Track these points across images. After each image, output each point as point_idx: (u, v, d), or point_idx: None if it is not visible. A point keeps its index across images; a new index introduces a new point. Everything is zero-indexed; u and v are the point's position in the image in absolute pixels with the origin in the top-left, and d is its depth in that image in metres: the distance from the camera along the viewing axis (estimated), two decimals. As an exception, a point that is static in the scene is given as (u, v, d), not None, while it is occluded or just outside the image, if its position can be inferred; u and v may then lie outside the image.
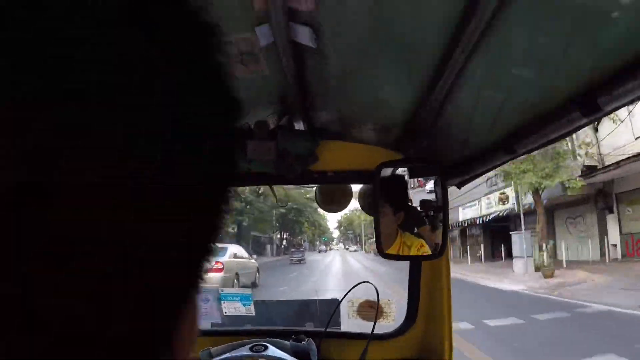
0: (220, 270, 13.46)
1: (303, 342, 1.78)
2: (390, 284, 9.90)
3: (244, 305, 1.89)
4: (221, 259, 13.77)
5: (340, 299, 1.91)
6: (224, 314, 1.91)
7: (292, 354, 1.67)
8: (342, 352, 1.85)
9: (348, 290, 1.88)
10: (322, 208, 1.79)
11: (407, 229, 1.58)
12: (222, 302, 1.90)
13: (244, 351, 1.65)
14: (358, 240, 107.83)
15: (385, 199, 1.55)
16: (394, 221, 1.57)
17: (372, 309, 1.92)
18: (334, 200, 1.76)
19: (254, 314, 1.91)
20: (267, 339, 1.75)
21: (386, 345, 1.91)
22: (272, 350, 1.66)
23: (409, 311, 1.91)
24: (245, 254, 18.18)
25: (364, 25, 0.99)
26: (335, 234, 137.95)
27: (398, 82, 1.27)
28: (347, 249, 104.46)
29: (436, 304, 1.85)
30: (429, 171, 1.62)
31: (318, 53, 1.12)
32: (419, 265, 1.82)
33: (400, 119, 1.47)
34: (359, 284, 1.85)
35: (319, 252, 76.07)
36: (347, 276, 21.87)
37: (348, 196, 1.76)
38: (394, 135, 1.63)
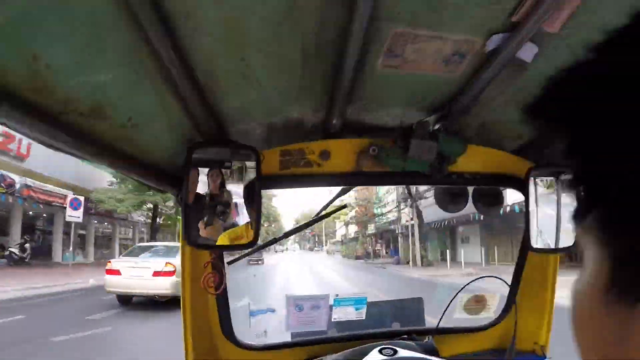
0: (171, 273, 11.60)
1: (426, 341, 1.77)
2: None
3: (357, 309, 1.82)
4: (173, 260, 11.68)
5: (453, 296, 1.89)
6: (333, 319, 1.82)
7: (423, 353, 1.64)
8: (455, 346, 1.88)
9: (462, 286, 1.88)
10: (442, 207, 1.77)
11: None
12: (334, 308, 1.81)
13: (375, 356, 1.59)
14: (317, 240, 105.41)
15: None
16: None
17: (479, 303, 1.93)
18: (453, 201, 1.75)
19: (364, 318, 1.84)
20: (385, 341, 1.71)
21: (484, 335, 1.96)
22: (404, 352, 1.61)
23: (508, 302, 1.95)
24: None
25: None
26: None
27: None
28: (312, 249, 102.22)
29: (536, 293, 1.90)
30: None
31: (517, 65, 1.17)
32: (523, 262, 1.87)
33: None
34: (481, 277, 1.86)
35: (276, 251, 71.41)
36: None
37: (466, 197, 1.76)
38: (522, 141, 1.69)
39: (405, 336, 1.81)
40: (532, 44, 1.13)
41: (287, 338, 1.87)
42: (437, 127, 1.49)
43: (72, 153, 1.09)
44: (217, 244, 1.46)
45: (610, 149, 0.33)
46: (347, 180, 1.65)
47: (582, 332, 0.38)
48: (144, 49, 0.94)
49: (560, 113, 0.38)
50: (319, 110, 1.46)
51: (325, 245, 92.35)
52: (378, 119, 1.54)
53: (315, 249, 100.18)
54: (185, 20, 0.93)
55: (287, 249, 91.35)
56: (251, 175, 1.39)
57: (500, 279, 1.87)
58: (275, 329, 1.88)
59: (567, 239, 1.61)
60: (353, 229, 61.51)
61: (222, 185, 1.43)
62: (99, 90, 1.03)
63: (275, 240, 1.88)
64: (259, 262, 29.66)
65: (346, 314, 1.83)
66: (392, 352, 1.60)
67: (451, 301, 1.88)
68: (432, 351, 1.70)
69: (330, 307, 1.83)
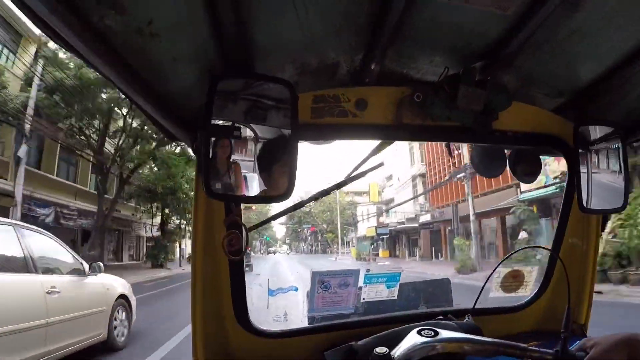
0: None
1: (466, 320, 1.62)
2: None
3: (388, 287, 1.66)
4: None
5: (487, 280, 1.76)
6: (362, 300, 1.65)
7: (465, 333, 1.49)
8: (492, 326, 1.73)
9: (493, 270, 1.75)
10: (479, 172, 1.65)
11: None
12: (365, 285, 1.65)
13: (415, 338, 1.42)
14: (319, 239, 77.76)
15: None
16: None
17: (515, 279, 1.81)
18: (492, 164, 1.64)
19: (396, 297, 1.68)
20: (422, 322, 1.55)
21: (521, 315, 1.84)
22: (447, 333, 1.46)
23: (546, 278, 1.84)
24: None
25: None
26: (281, 231, 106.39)
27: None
28: (317, 251, 78.63)
29: (577, 270, 1.80)
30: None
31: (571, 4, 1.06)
32: (562, 235, 1.77)
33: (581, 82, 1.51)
34: (524, 248, 1.74)
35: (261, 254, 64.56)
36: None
37: (504, 160, 1.66)
38: (563, 99, 1.62)
39: (441, 317, 1.65)
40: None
41: (306, 323, 1.69)
42: (484, 73, 1.38)
43: (73, 51, 0.92)
44: (245, 195, 1.28)
45: None
46: (386, 133, 1.51)
47: None
48: None
49: None
50: (357, 50, 1.32)
51: (344, 247, 64.93)
52: (419, 68, 1.42)
53: (331, 253, 66.98)
54: None
55: (274, 252, 77.56)
56: (285, 117, 1.24)
57: (547, 248, 1.75)
58: (296, 311, 1.69)
59: (617, 200, 1.53)
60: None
61: (251, 129, 1.26)
62: None
63: (300, 205, 1.70)
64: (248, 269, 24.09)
65: (377, 292, 1.66)
66: (433, 334, 1.43)
67: (488, 279, 1.74)
68: (475, 330, 1.55)
69: (360, 287, 1.66)
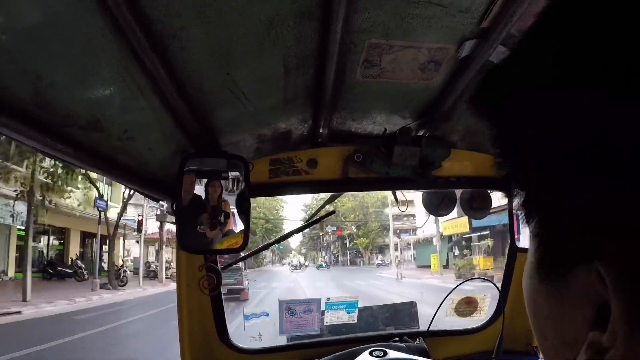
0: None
1: (417, 342, 1.84)
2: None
3: (348, 313, 1.91)
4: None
5: (440, 304, 1.97)
6: (325, 323, 1.91)
7: (413, 354, 1.72)
8: (447, 348, 1.95)
9: (448, 292, 1.96)
10: (429, 212, 1.86)
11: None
12: (326, 311, 1.90)
13: (366, 358, 1.67)
14: (347, 246, 63.75)
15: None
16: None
17: (469, 305, 2.01)
18: (441, 205, 1.84)
19: (356, 321, 1.93)
20: (376, 344, 1.78)
21: (476, 338, 2.03)
22: (394, 354, 1.69)
23: (498, 305, 2.03)
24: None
25: None
26: (296, 239, 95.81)
27: None
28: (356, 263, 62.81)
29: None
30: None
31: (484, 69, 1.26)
32: (512, 262, 1.96)
33: None
34: (469, 280, 1.94)
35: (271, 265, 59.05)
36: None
37: (454, 200, 1.85)
38: None
39: (397, 339, 1.88)
40: (503, 47, 1.22)
41: (283, 341, 1.95)
42: (421, 133, 1.58)
43: (73, 163, 1.20)
44: (210, 248, 1.55)
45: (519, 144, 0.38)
46: (335, 186, 1.75)
47: (529, 311, 0.42)
48: (136, 67, 1.05)
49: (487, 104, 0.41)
50: (305, 120, 1.56)
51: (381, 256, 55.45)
52: (363, 126, 1.64)
53: (368, 264, 56.20)
54: (173, 40, 1.04)
55: (288, 263, 64.61)
56: (241, 183, 1.49)
57: (490, 281, 1.95)
58: (270, 333, 1.96)
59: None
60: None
61: (215, 193, 1.52)
62: (96, 106, 1.14)
63: (266, 247, 1.98)
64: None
65: (338, 317, 1.91)
66: (382, 354, 1.68)
67: (441, 303, 1.97)
68: (423, 352, 1.78)
69: (322, 311, 1.91)
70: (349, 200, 54.03)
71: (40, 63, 0.93)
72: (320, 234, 71.00)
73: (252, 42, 1.12)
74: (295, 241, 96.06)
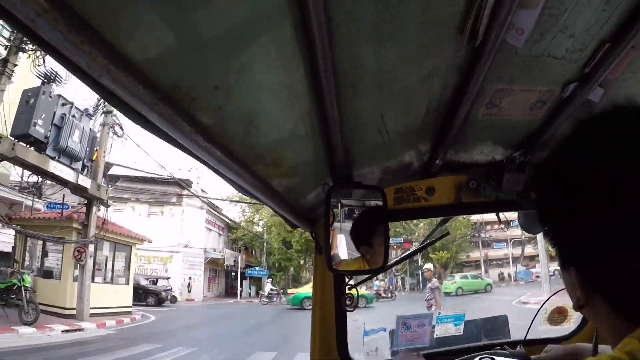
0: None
1: (518, 349, 2.14)
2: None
3: (455, 325, 2.21)
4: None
5: (536, 314, 2.27)
6: (435, 336, 2.21)
7: None
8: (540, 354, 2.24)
9: (543, 303, 2.27)
10: (525, 230, 2.19)
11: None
12: (437, 325, 2.21)
13: (477, 366, 1.97)
14: (417, 266, 46.07)
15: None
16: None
17: (560, 314, 2.32)
18: (535, 224, 2.18)
19: (462, 333, 2.23)
20: (482, 352, 2.08)
21: (566, 344, 2.32)
22: (502, 360, 1.99)
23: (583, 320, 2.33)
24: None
25: None
26: None
27: None
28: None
29: None
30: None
31: (587, 105, 1.61)
32: None
33: None
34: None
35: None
36: None
37: None
38: None
39: (498, 347, 2.18)
40: (600, 88, 1.59)
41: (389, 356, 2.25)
42: (522, 159, 1.94)
43: (252, 194, 1.55)
44: (351, 269, 1.89)
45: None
46: (450, 211, 2.10)
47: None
48: (316, 108, 1.37)
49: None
50: (425, 153, 1.93)
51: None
52: (472, 157, 2.01)
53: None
54: (349, 89, 1.35)
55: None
56: (377, 211, 1.85)
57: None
58: (381, 348, 2.26)
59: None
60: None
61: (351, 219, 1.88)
62: (280, 147, 1.50)
63: (397, 262, 2.30)
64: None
65: (447, 330, 2.22)
66: None
67: (536, 314, 2.27)
68: (524, 358, 2.07)
69: (433, 325, 2.22)
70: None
71: (253, 109, 1.27)
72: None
73: (409, 91, 1.48)
74: None
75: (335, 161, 1.74)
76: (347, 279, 2.01)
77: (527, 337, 2.25)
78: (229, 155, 1.28)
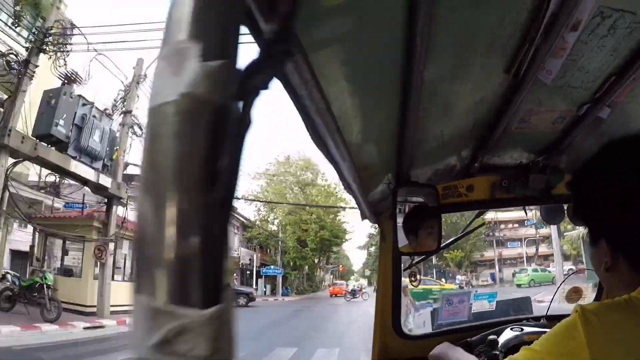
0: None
1: (542, 321, 2.58)
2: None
3: (489, 302, 2.68)
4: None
5: (556, 290, 2.73)
6: (472, 311, 2.67)
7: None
8: None
9: (561, 282, 2.72)
10: (546, 221, 2.65)
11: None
12: (474, 301, 2.67)
13: (509, 333, 2.42)
14: (430, 265, 49.43)
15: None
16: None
17: (577, 293, 2.77)
18: (555, 216, 2.63)
19: (494, 309, 2.69)
20: (512, 324, 2.53)
21: None
22: (528, 329, 2.45)
23: (598, 292, 2.77)
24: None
25: None
26: (359, 258, 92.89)
27: None
28: None
29: None
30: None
31: (597, 121, 2.04)
32: None
33: None
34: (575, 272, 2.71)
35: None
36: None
37: (563, 213, 2.65)
38: None
39: (525, 321, 2.64)
40: (608, 108, 2.02)
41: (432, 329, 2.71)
42: (544, 163, 2.39)
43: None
44: (412, 251, 2.36)
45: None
46: (486, 205, 2.57)
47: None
48: (386, 124, 1.85)
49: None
50: (467, 157, 2.38)
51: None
52: (503, 160, 2.47)
53: None
54: (422, 105, 1.75)
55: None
56: (433, 205, 2.32)
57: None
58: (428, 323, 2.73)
59: None
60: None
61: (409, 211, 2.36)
62: (360, 146, 1.94)
63: (446, 246, 2.78)
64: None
65: (482, 305, 2.68)
66: (520, 329, 2.44)
67: (556, 292, 2.72)
68: (547, 327, 2.52)
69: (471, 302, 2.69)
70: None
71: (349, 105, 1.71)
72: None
73: (464, 109, 1.92)
74: (357, 262, 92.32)
75: (400, 163, 2.19)
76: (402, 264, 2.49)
77: (548, 314, 2.69)
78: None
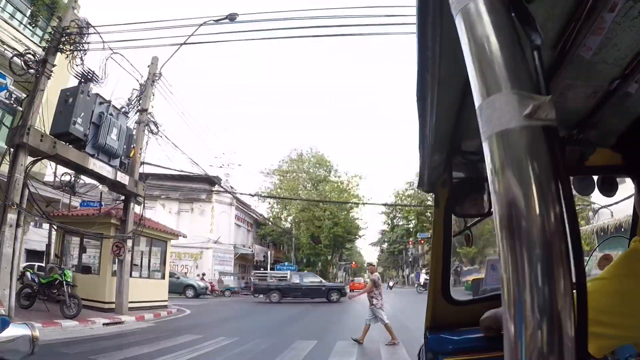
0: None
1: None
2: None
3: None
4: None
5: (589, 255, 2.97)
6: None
7: None
8: None
9: (593, 249, 2.96)
10: (578, 192, 2.89)
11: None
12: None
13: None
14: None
15: None
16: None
17: (607, 261, 3.01)
18: (586, 187, 2.87)
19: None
20: None
21: None
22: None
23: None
24: None
25: None
26: (370, 255, 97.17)
27: None
28: None
29: None
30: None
31: (625, 96, 2.29)
32: None
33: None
34: (611, 236, 2.95)
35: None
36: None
37: (594, 184, 2.88)
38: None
39: None
40: (636, 83, 2.26)
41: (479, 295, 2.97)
42: (578, 136, 2.63)
43: None
44: (468, 213, 2.63)
45: None
46: None
47: None
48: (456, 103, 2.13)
49: None
50: None
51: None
52: None
53: None
54: None
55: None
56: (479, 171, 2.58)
57: (624, 236, 2.95)
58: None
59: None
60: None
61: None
62: None
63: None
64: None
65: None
66: None
67: (588, 259, 2.96)
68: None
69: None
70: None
71: None
72: (407, 246, 71.31)
73: None
74: (370, 259, 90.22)
75: (455, 133, 2.44)
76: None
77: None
78: None
